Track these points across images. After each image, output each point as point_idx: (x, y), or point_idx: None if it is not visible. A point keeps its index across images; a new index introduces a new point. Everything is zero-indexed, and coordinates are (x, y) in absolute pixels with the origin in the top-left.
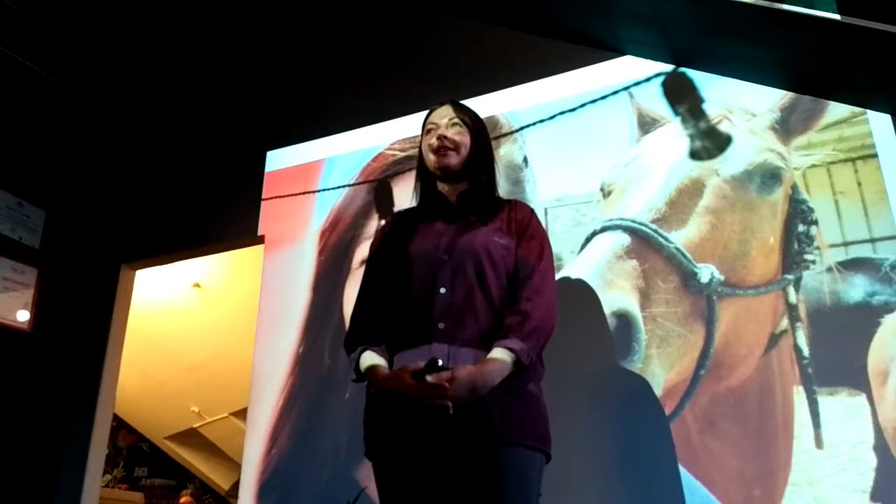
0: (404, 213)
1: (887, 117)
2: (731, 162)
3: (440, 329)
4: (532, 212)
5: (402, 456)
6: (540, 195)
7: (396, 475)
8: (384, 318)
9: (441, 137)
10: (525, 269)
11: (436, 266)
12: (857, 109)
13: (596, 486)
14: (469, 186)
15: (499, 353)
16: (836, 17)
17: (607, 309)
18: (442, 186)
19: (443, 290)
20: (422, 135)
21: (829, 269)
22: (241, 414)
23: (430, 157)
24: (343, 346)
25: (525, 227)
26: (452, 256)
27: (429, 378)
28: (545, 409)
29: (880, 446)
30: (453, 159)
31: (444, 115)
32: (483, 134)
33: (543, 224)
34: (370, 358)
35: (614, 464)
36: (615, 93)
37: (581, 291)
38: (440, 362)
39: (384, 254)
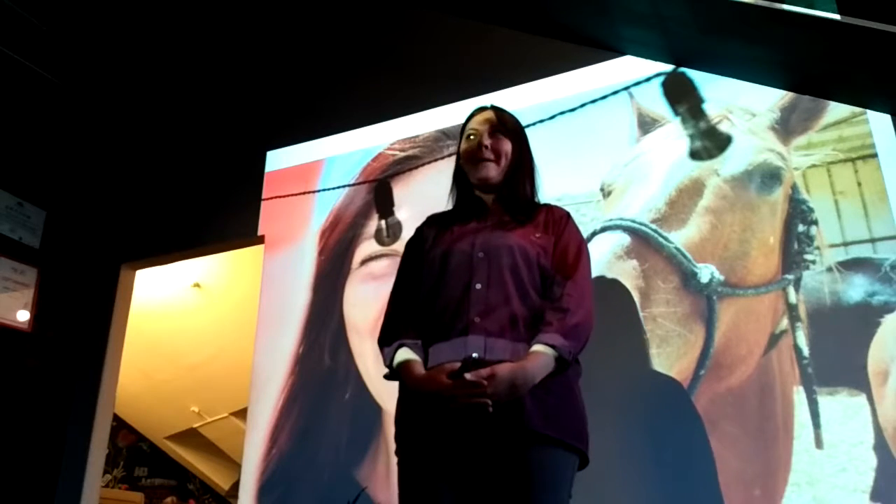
0: (438, 216)
1: (887, 117)
2: (731, 162)
3: (476, 323)
4: (568, 215)
5: (432, 453)
6: (540, 195)
7: (423, 473)
8: (419, 314)
9: (482, 146)
10: (563, 269)
11: (472, 263)
12: (857, 109)
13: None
14: (508, 192)
15: (540, 349)
16: (836, 17)
17: None
18: (479, 193)
19: (478, 286)
20: (460, 139)
21: (829, 269)
22: (241, 414)
23: (470, 166)
24: (377, 343)
25: (563, 228)
26: (488, 253)
27: (467, 376)
28: (583, 407)
29: (880, 446)
30: (493, 171)
31: (484, 121)
32: (524, 141)
33: None
34: (404, 353)
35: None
36: (615, 93)
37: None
38: (475, 355)
39: (418, 255)
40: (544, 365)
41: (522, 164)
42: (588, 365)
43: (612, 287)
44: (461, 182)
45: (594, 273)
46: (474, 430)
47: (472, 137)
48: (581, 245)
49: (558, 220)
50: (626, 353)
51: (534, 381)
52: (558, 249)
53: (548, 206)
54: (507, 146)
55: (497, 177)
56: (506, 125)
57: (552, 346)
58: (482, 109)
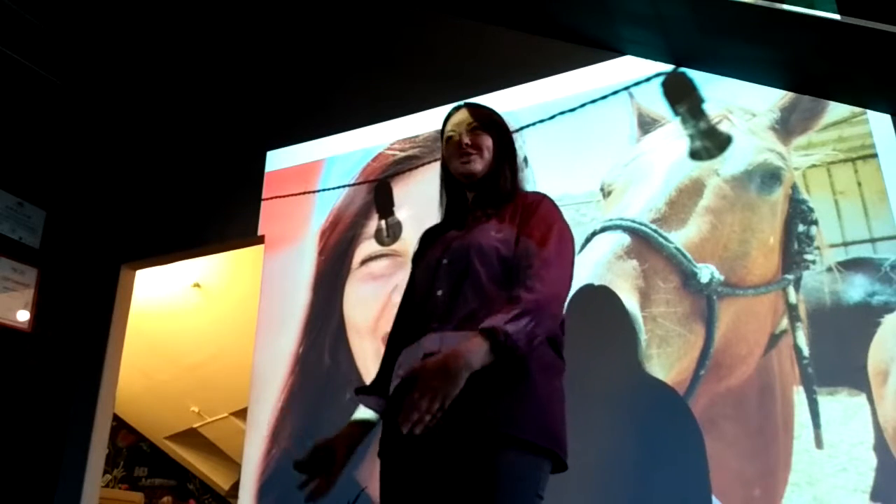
0: (432, 229)
1: (887, 117)
2: (731, 162)
3: (434, 329)
4: (544, 197)
5: (401, 456)
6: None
7: (394, 474)
8: (398, 341)
9: (462, 144)
10: (526, 256)
11: (436, 270)
12: (857, 109)
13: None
14: (489, 185)
15: (476, 333)
16: (836, 17)
17: None
18: (468, 192)
19: (439, 293)
20: (441, 144)
21: (829, 269)
22: (241, 414)
23: (454, 165)
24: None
25: (531, 212)
26: (451, 259)
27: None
28: (556, 405)
29: (880, 446)
30: (478, 164)
31: (461, 120)
32: (503, 131)
33: None
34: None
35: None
36: (615, 93)
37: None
38: (431, 351)
39: (411, 274)
40: (477, 346)
41: (504, 154)
42: (587, 367)
43: (607, 291)
44: (450, 184)
45: (593, 273)
46: (435, 432)
47: (451, 139)
48: (551, 227)
49: (528, 205)
50: (623, 356)
51: (469, 363)
52: (522, 235)
53: (523, 194)
54: (487, 141)
55: (483, 170)
56: (482, 121)
57: (491, 329)
58: (457, 109)
